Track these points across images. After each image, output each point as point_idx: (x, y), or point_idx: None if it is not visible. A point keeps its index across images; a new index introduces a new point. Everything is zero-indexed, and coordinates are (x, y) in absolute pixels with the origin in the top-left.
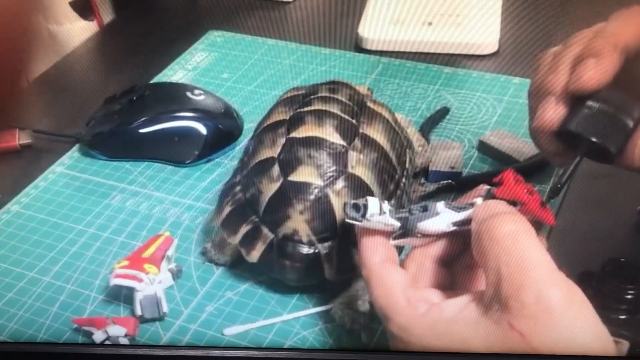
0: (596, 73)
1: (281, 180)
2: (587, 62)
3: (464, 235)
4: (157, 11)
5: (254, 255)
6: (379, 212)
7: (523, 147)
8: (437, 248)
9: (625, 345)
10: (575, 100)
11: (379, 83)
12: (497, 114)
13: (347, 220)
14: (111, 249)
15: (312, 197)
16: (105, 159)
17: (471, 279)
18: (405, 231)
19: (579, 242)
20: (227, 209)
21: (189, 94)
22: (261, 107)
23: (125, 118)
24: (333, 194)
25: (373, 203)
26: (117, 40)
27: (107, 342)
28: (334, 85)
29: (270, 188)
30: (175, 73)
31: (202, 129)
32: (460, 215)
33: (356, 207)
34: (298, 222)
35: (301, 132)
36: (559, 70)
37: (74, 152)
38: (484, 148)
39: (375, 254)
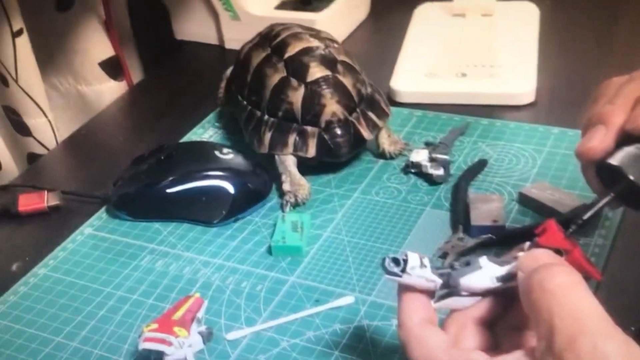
0: None
1: (302, 85)
2: None
3: (507, 295)
4: (186, 70)
5: (311, 151)
6: (419, 265)
7: (566, 198)
8: (479, 308)
9: None
10: (625, 138)
11: (413, 136)
12: (538, 165)
13: (386, 276)
14: (140, 311)
15: (331, 83)
16: (132, 219)
17: (516, 341)
18: (448, 289)
19: (629, 296)
20: (268, 135)
21: (217, 152)
22: None
23: (152, 178)
24: (340, 76)
25: (413, 257)
26: (147, 100)
27: None
28: (279, 25)
29: (297, 96)
30: (205, 131)
31: (230, 188)
32: (504, 269)
33: (396, 261)
34: (332, 105)
35: (291, 51)
36: (618, 102)
37: (102, 213)
38: (525, 200)
39: (414, 315)
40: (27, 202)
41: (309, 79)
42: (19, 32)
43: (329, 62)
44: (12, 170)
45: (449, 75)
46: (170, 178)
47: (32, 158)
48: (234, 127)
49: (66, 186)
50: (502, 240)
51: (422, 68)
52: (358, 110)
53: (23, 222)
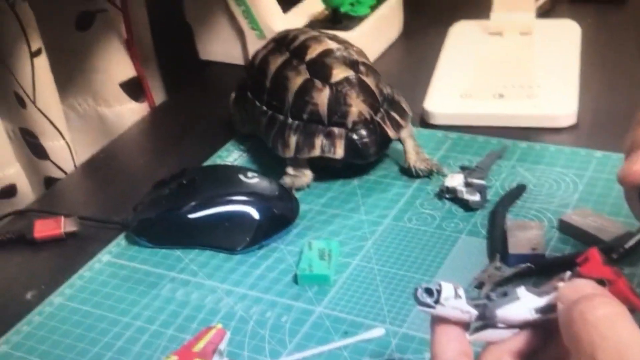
0: None
1: (327, 86)
2: None
3: (546, 327)
4: (210, 91)
5: (339, 152)
6: (453, 295)
7: (609, 226)
8: (517, 341)
9: None
10: None
11: (448, 159)
12: (579, 190)
13: (419, 307)
14: (159, 342)
15: (356, 83)
16: (152, 246)
17: None
18: (484, 321)
19: None
20: (293, 138)
21: (241, 176)
22: (320, 187)
23: (173, 203)
24: (363, 76)
25: (447, 287)
26: (169, 122)
27: None
28: (293, 30)
29: (322, 97)
30: (229, 154)
31: (255, 214)
32: (544, 301)
33: (429, 291)
34: (359, 105)
35: (312, 53)
36: None
37: (121, 240)
38: (566, 228)
39: (449, 348)
40: (43, 228)
41: (333, 79)
42: (38, 52)
43: (350, 63)
44: (28, 194)
45: (486, 96)
46: (193, 203)
47: (49, 182)
48: (259, 149)
49: (84, 211)
50: (541, 270)
51: (457, 89)
52: (382, 110)
53: (39, 249)
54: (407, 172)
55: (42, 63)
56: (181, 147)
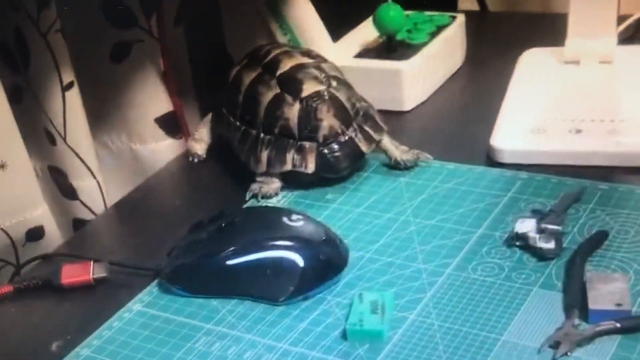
0: None
1: (297, 100)
2: None
3: None
4: None
5: (310, 167)
6: None
7: None
8: None
9: None
10: None
11: (518, 202)
12: None
13: None
14: None
15: (326, 98)
16: (187, 295)
17: None
18: None
19: None
20: (265, 153)
21: (285, 219)
22: (372, 232)
23: (211, 248)
24: (334, 91)
25: None
26: (208, 160)
27: None
28: (266, 45)
29: (292, 111)
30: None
31: (300, 260)
32: None
33: None
34: (330, 119)
35: (283, 68)
36: None
37: (153, 288)
38: None
39: None
40: (71, 274)
41: (304, 94)
42: (70, 85)
43: (322, 77)
44: (56, 237)
45: (561, 131)
46: (232, 248)
47: (78, 224)
48: (304, 191)
49: (114, 256)
50: (627, 329)
51: (529, 123)
52: (354, 124)
53: (65, 296)
54: (396, 167)
55: (74, 97)
56: (220, 187)
